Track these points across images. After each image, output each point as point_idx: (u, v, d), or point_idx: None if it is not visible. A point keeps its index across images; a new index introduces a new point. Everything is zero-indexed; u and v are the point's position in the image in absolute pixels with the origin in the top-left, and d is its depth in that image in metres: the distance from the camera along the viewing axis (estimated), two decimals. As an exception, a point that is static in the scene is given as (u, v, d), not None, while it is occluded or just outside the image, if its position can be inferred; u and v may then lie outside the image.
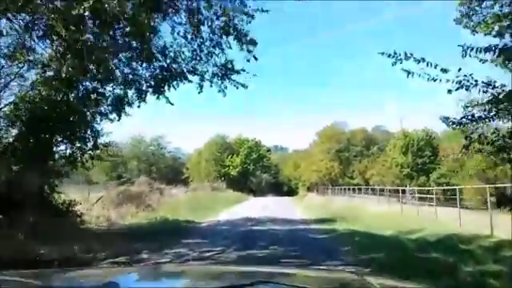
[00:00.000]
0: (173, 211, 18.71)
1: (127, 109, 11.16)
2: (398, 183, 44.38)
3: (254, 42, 9.27)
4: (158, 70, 10.28)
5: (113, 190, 18.83)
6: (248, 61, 9.44)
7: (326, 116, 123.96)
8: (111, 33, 8.71)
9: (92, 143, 11.99)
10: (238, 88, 10.04)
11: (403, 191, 23.71)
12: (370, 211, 17.71)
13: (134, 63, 10.24)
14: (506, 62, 6.89)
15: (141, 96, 10.59)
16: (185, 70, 10.20)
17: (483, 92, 6.76)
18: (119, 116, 11.29)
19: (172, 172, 63.78)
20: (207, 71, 10.16)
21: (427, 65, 6.31)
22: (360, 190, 40.91)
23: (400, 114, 77.29)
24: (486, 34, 7.34)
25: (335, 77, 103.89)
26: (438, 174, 43.20)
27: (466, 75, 6.54)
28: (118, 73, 10.12)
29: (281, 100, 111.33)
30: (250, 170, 57.38)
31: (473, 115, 7.49)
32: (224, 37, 9.53)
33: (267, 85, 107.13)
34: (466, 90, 6.65)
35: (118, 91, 11.02)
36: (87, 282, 1.81)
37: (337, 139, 62.53)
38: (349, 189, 44.97)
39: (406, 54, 6.29)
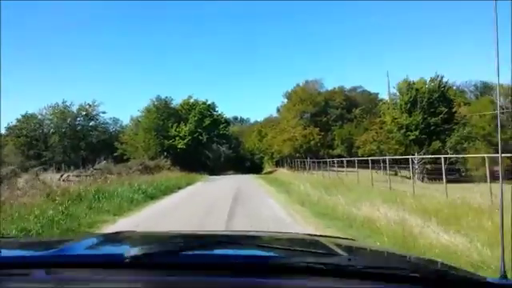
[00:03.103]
0: None
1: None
2: (401, 152, 33.01)
3: None
4: None
5: None
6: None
7: (291, 84, 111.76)
8: None
9: None
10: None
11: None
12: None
13: None
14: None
15: None
16: None
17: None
18: None
19: (107, 148, 49.99)
20: None
21: None
22: (350, 162, 28.48)
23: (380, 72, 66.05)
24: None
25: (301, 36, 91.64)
26: (458, 138, 31.74)
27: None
28: None
29: (239, 67, 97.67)
30: (203, 140, 43.76)
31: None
32: None
33: (224, 51, 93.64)
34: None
35: None
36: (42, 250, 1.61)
37: (311, 101, 50.22)
38: (333, 162, 32.93)
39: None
